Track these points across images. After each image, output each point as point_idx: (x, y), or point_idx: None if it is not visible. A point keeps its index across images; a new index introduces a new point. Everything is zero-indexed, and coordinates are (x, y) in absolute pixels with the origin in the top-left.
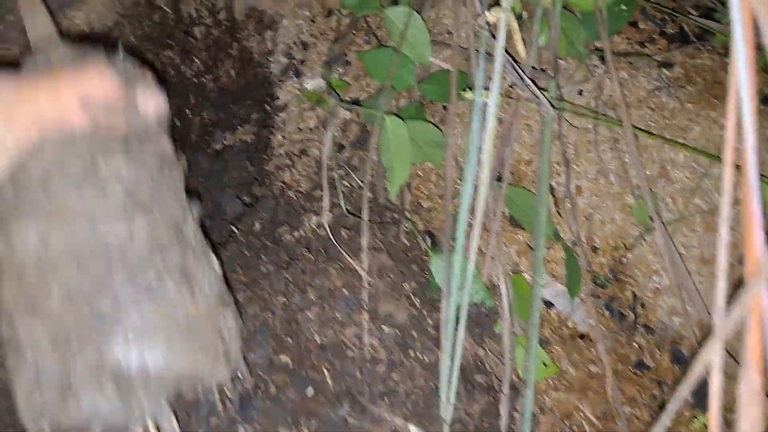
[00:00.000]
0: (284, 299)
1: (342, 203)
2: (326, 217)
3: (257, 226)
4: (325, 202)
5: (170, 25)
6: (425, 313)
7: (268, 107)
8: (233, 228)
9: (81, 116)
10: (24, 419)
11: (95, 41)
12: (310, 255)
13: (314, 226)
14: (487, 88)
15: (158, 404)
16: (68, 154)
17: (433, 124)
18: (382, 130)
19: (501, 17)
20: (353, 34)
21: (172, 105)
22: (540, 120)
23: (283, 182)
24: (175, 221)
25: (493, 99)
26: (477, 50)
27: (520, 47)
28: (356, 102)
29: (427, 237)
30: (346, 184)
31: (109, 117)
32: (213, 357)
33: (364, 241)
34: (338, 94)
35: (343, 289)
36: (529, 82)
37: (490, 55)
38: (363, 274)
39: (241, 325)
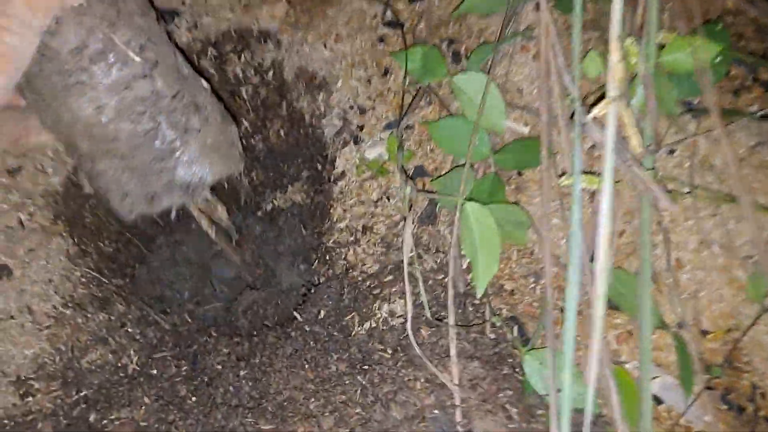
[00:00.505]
0: (364, 413)
1: (425, 304)
2: (409, 324)
3: (322, 313)
4: (408, 306)
5: (215, 87)
6: (525, 425)
7: (322, 170)
8: (295, 314)
9: None
10: (119, 212)
11: None
12: (386, 354)
13: (386, 315)
14: (588, 172)
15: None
16: (86, 32)
17: (513, 203)
18: (462, 217)
19: (610, 110)
20: (414, 97)
21: None
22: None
23: (347, 261)
24: (173, 62)
25: (607, 193)
26: (563, 119)
27: (635, 140)
28: (422, 171)
29: (514, 326)
30: (417, 267)
31: None
32: (232, 159)
33: (453, 348)
34: (411, 178)
35: (434, 409)
36: (633, 164)
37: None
38: (455, 390)
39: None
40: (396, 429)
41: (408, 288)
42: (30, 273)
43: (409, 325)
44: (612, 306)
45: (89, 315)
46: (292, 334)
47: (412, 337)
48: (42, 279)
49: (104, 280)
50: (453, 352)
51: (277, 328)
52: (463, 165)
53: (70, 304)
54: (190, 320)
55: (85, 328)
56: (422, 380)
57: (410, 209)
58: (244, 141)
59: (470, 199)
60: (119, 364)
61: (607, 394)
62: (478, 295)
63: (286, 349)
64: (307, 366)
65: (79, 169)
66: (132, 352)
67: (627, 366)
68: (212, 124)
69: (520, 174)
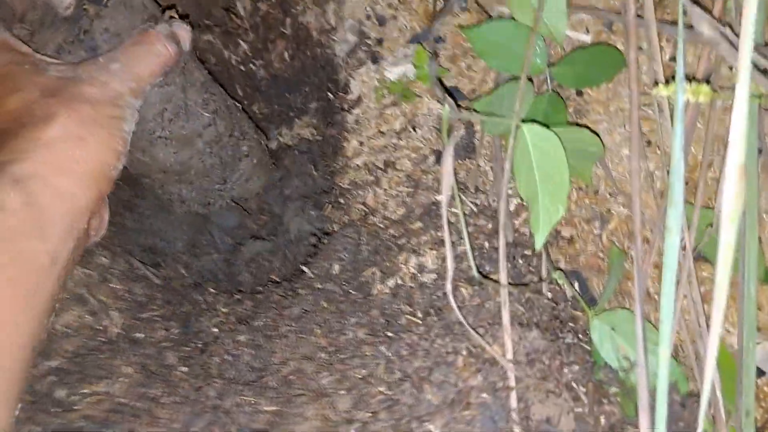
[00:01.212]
0: (389, 393)
1: (468, 250)
2: (449, 285)
3: (336, 268)
4: (449, 259)
5: (208, 2)
6: (596, 408)
7: (332, 96)
8: (304, 269)
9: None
10: (174, 210)
11: None
12: (416, 318)
13: (415, 270)
14: (692, 79)
15: None
16: (166, 99)
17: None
18: (517, 146)
19: None
20: (446, 1)
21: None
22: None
23: (365, 205)
24: (225, 104)
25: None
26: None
27: None
28: (456, 94)
29: (574, 282)
30: (454, 211)
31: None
32: (269, 166)
33: (506, 315)
34: (452, 96)
35: (482, 392)
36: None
37: (667, 24)
38: (509, 367)
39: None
40: (432, 416)
41: (447, 236)
42: None
43: (448, 284)
44: (700, 257)
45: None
46: (301, 292)
47: (452, 301)
48: None
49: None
50: (506, 318)
51: (283, 284)
52: (513, 81)
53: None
54: (185, 273)
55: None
56: (464, 354)
57: (450, 135)
58: (242, 67)
59: (529, 121)
60: (99, 327)
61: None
62: (538, 247)
63: (293, 309)
64: (318, 330)
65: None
66: (115, 312)
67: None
68: (255, 146)
69: (579, 94)
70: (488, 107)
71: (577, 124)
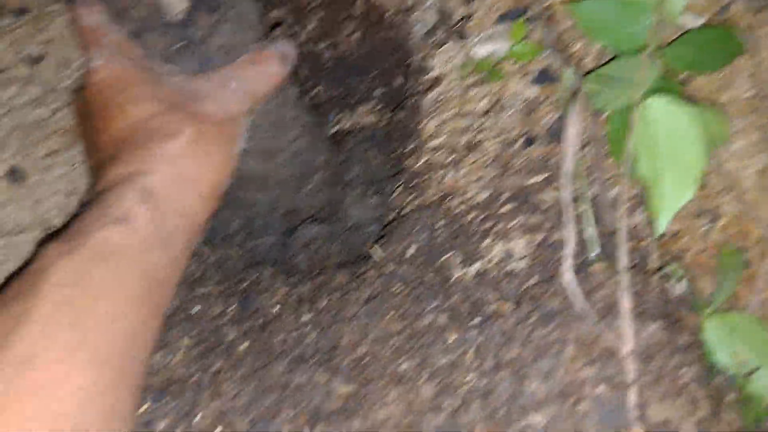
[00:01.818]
0: (483, 382)
1: (592, 234)
2: (568, 263)
3: (412, 249)
4: (570, 240)
5: None
6: (717, 414)
7: (406, 83)
8: (371, 251)
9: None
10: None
11: None
12: (505, 308)
13: (502, 257)
14: None
15: None
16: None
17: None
18: (640, 122)
19: None
20: None
21: None
22: None
23: (442, 187)
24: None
25: None
26: None
27: None
28: (549, 75)
29: (681, 279)
30: (544, 199)
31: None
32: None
33: (626, 301)
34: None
35: (597, 385)
36: None
37: None
38: (629, 360)
39: None
40: (538, 407)
41: (570, 209)
42: (48, 180)
43: (568, 263)
44: None
45: None
46: (368, 275)
47: (572, 280)
48: (63, 190)
49: None
50: (626, 305)
51: (345, 268)
52: (628, 56)
53: None
54: (238, 254)
55: None
56: (573, 344)
57: (571, 102)
58: (308, 46)
59: (655, 93)
60: None
61: None
62: (660, 231)
63: (360, 293)
64: (389, 315)
65: None
66: None
67: None
68: (329, 160)
69: (686, 81)
70: (599, 81)
71: None
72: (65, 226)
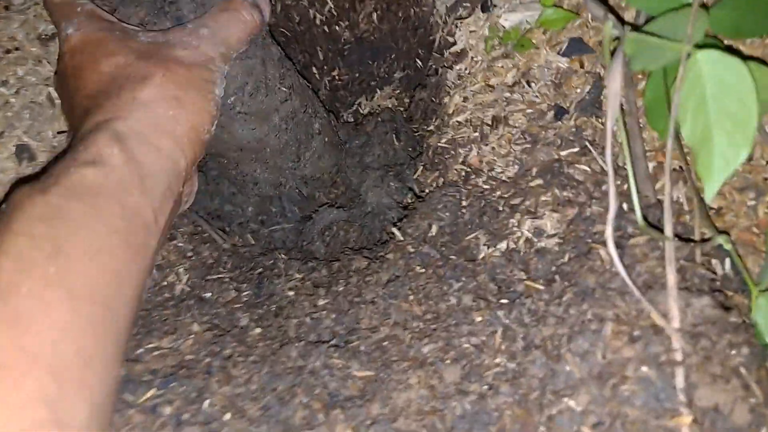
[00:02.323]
0: (513, 364)
1: (636, 201)
2: (609, 229)
3: (434, 229)
4: (613, 202)
5: None
6: (765, 400)
7: (426, 59)
8: (394, 230)
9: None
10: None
11: None
12: (538, 285)
13: (530, 234)
14: None
15: None
16: (246, 73)
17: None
18: (686, 78)
19: None
20: None
21: (295, 61)
22: None
23: (467, 165)
24: (299, 81)
25: None
26: None
27: None
28: (579, 47)
29: (725, 258)
30: (579, 169)
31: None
32: (340, 147)
33: (672, 274)
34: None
35: (642, 365)
36: None
37: None
38: (676, 337)
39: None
40: (574, 390)
41: (611, 169)
42: None
43: (609, 228)
44: None
45: None
46: (390, 257)
47: (612, 248)
48: None
49: None
50: (672, 278)
51: (364, 252)
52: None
53: None
54: (253, 241)
55: None
56: (612, 321)
57: (614, 53)
58: (326, 28)
59: (704, 46)
60: (165, 283)
61: None
62: (709, 197)
63: (380, 276)
64: (412, 297)
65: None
66: (182, 270)
67: None
68: (326, 124)
69: (729, 48)
70: (638, 42)
71: None
72: (38, 173)
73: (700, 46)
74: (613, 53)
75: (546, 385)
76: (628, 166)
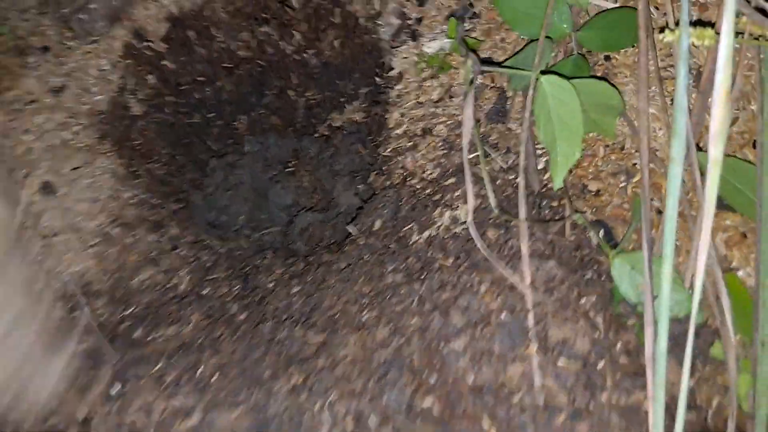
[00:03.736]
0: (420, 322)
1: (490, 195)
2: (470, 216)
3: (377, 224)
4: (470, 198)
5: None
6: (611, 336)
7: (378, 79)
8: (351, 228)
9: None
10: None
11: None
12: (447, 262)
13: (448, 223)
14: (696, 24)
15: None
16: None
17: (601, 78)
18: (537, 95)
19: None
20: None
21: (273, 87)
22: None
23: (405, 169)
24: None
25: (726, 39)
26: None
27: None
28: (490, 64)
29: (600, 229)
30: (483, 159)
31: None
32: None
33: (525, 245)
34: (474, 51)
35: (501, 313)
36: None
37: None
38: (526, 291)
39: None
40: (456, 335)
41: (468, 173)
42: (75, 191)
43: (469, 216)
44: (723, 206)
45: (138, 236)
46: (347, 248)
47: (473, 230)
48: (88, 198)
49: (154, 202)
50: (524, 248)
51: (332, 247)
52: (536, 41)
53: (118, 223)
54: (245, 246)
55: (134, 248)
56: (487, 283)
57: (471, 83)
58: (296, 56)
59: (547, 72)
60: (169, 284)
61: (714, 302)
62: (556, 187)
63: (339, 264)
64: (360, 280)
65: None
66: (184, 273)
67: (739, 273)
68: None
69: (607, 59)
70: (515, 65)
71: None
72: None
73: (544, 72)
74: (471, 83)
75: (440, 335)
76: (482, 167)
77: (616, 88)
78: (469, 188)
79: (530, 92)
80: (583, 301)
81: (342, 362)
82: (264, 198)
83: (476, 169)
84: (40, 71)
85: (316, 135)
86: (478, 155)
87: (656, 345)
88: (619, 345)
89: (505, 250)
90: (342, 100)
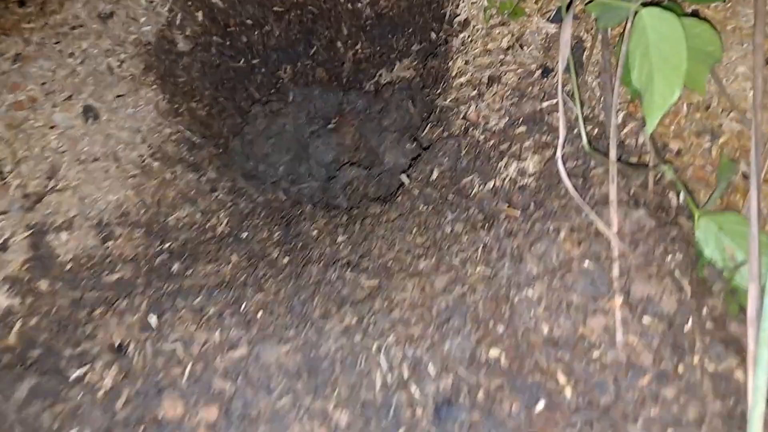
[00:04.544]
0: (488, 270)
1: (582, 130)
2: (560, 151)
3: (435, 174)
4: (562, 128)
5: None
6: (697, 300)
7: (435, 35)
8: (403, 177)
9: None
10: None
11: None
12: (515, 213)
13: (515, 175)
14: None
15: None
16: None
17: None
18: (634, 30)
19: None
20: None
21: (322, 36)
22: None
23: (467, 119)
24: None
25: None
26: None
27: None
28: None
29: (680, 191)
30: (557, 116)
31: None
32: None
33: (613, 190)
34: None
35: (584, 260)
36: None
37: None
38: (614, 238)
39: None
40: (529, 283)
41: (561, 101)
42: (117, 119)
43: (559, 150)
44: None
45: (178, 173)
46: (399, 199)
47: (560, 166)
48: (130, 127)
49: (196, 141)
50: (613, 193)
51: (379, 201)
52: None
53: (158, 156)
54: (284, 197)
55: (173, 185)
56: (567, 230)
57: (569, 6)
58: (350, 5)
59: (649, 4)
60: (207, 225)
61: None
62: (649, 130)
63: (390, 214)
64: (415, 230)
65: None
66: (222, 215)
67: None
68: None
69: (694, 14)
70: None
71: None
72: None
73: (645, 5)
74: (568, 7)
75: (511, 282)
76: (577, 104)
77: (717, 33)
78: (562, 117)
79: (628, 25)
80: (668, 258)
81: (399, 305)
82: (305, 150)
83: (550, 118)
84: None
85: (363, 89)
86: (550, 105)
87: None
88: (705, 310)
89: (586, 197)
90: (392, 56)
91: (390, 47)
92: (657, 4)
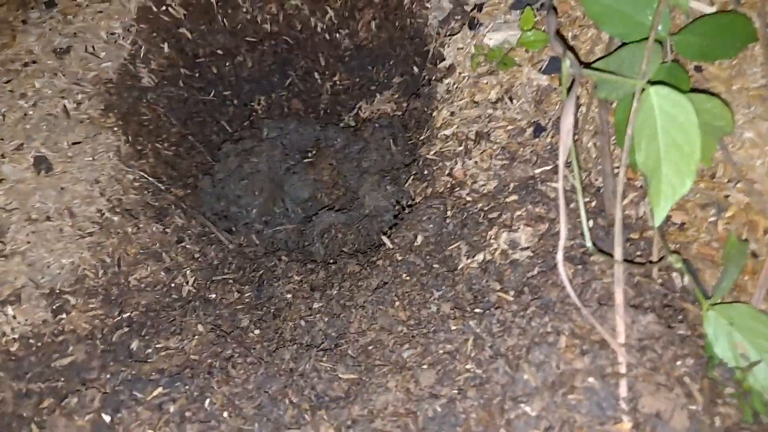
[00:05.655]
0: (479, 370)
1: (585, 229)
2: (560, 254)
3: (419, 239)
4: (563, 230)
5: None
6: (710, 409)
7: (419, 74)
8: (384, 239)
9: None
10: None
11: None
12: (508, 296)
13: (506, 246)
14: None
15: None
16: None
17: (710, 93)
18: (641, 109)
19: None
20: None
21: (298, 67)
22: None
23: (452, 176)
24: None
25: None
26: None
27: None
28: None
29: (684, 272)
30: (551, 186)
31: None
32: None
33: (620, 294)
34: (573, 51)
35: (588, 377)
36: None
37: None
38: (621, 352)
39: None
40: (528, 397)
41: (562, 200)
42: (73, 170)
43: (560, 254)
44: None
45: (140, 225)
46: (380, 263)
47: (562, 271)
48: (86, 178)
49: (161, 187)
50: (619, 297)
51: (359, 256)
52: (634, 43)
53: (118, 210)
54: (257, 241)
55: (134, 240)
56: (567, 334)
57: (570, 89)
58: (327, 35)
59: (657, 83)
60: (173, 284)
61: None
62: (657, 223)
63: (371, 280)
64: (397, 303)
65: None
66: (188, 272)
67: None
68: None
69: (698, 70)
70: (606, 68)
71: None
72: None
73: (652, 82)
74: (569, 89)
75: (506, 392)
76: (578, 191)
77: (728, 107)
78: (563, 220)
79: (634, 104)
80: (678, 363)
81: (381, 413)
82: (280, 189)
83: (543, 187)
84: (43, 29)
85: (342, 124)
86: (541, 172)
87: None
88: (717, 421)
89: (587, 293)
90: (372, 88)
91: (370, 78)
92: (663, 83)
